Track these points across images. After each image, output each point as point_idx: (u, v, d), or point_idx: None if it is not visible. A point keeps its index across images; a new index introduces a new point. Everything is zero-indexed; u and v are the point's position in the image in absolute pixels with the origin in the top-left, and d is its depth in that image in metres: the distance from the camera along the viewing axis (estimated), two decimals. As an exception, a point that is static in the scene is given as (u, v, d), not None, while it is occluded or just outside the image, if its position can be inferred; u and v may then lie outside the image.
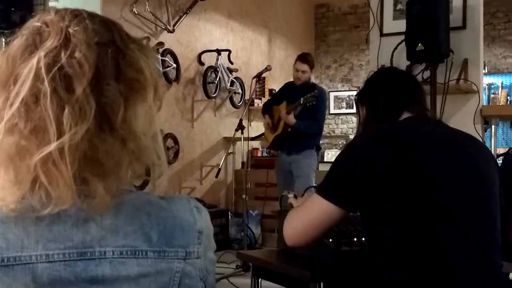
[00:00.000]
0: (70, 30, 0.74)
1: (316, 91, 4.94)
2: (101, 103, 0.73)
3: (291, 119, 4.88)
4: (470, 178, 1.55)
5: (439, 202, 1.50)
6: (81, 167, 0.72)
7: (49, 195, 0.71)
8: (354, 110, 9.14)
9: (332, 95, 9.04)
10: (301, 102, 4.86)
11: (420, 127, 1.65)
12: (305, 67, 5.05)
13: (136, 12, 5.67)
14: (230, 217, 6.42)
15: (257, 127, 7.64)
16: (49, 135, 0.71)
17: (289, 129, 4.97)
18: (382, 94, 1.76)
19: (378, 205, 1.52)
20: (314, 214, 1.58)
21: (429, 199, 1.50)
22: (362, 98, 1.85)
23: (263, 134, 5.63)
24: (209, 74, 6.59)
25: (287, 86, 5.37)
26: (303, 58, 5.13)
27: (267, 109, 5.30)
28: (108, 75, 0.75)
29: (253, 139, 6.53)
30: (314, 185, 4.19)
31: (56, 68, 0.72)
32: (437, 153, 1.56)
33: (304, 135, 4.99)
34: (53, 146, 0.70)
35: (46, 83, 0.71)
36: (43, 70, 0.72)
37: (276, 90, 7.80)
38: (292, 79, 5.21)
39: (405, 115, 1.72)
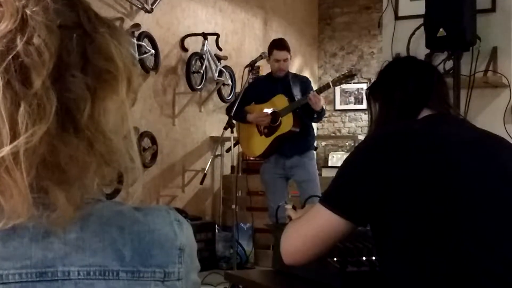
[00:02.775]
0: (28, 11, 0.73)
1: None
2: (64, 99, 0.73)
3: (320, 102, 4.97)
4: (500, 188, 1.56)
5: (464, 217, 1.50)
6: (40, 174, 0.72)
7: (1, 207, 0.71)
8: (364, 106, 9.18)
9: (338, 88, 9.06)
10: (330, 85, 5.22)
11: (441, 127, 1.65)
12: (285, 54, 5.09)
13: (108, -12, 5.67)
14: (217, 231, 6.42)
15: (249, 125, 7.64)
16: (1, 137, 0.70)
17: (298, 127, 5.03)
18: (399, 88, 1.77)
19: (392, 218, 1.52)
20: (317, 227, 1.58)
21: (453, 213, 1.50)
22: (375, 92, 1.85)
23: (237, 142, 5.40)
24: (193, 62, 6.59)
25: (259, 83, 5.42)
26: (279, 45, 5.15)
27: (243, 112, 5.15)
28: (73, 65, 0.74)
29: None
30: (317, 194, 4.20)
31: (10, 56, 0.71)
32: (461, 159, 1.56)
33: (307, 133, 5.11)
34: (6, 150, 0.69)
35: None
36: None
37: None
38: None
39: (425, 112, 1.72)
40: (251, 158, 7.43)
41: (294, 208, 2.09)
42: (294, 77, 5.25)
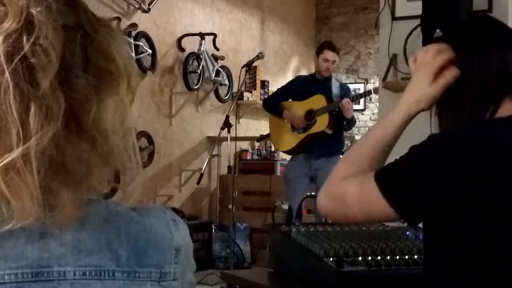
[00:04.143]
0: (33, 11, 0.72)
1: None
2: (70, 99, 0.72)
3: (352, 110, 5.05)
4: None
5: None
6: (48, 175, 0.71)
7: (11, 208, 0.71)
8: (361, 107, 9.18)
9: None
10: (372, 92, 5.31)
11: None
12: (335, 56, 5.22)
13: (105, -12, 5.67)
14: (214, 230, 6.42)
15: (246, 125, 7.65)
16: (11, 138, 0.69)
17: (331, 129, 5.07)
18: (484, 56, 1.37)
19: (454, 234, 1.33)
20: (368, 205, 1.39)
21: None
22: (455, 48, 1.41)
23: (268, 134, 5.62)
24: (190, 62, 6.59)
25: (300, 81, 5.49)
26: (331, 45, 5.29)
27: (279, 107, 5.27)
28: (76, 66, 0.74)
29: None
30: (312, 193, 4.21)
31: (18, 57, 0.70)
32: None
33: (338, 138, 5.19)
34: (17, 152, 0.69)
35: (7, 75, 0.69)
36: (2, 59, 0.70)
37: (270, 82, 7.85)
38: (298, 74, 5.33)
39: (507, 106, 1.39)
40: (248, 158, 7.46)
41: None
42: (336, 82, 5.35)
